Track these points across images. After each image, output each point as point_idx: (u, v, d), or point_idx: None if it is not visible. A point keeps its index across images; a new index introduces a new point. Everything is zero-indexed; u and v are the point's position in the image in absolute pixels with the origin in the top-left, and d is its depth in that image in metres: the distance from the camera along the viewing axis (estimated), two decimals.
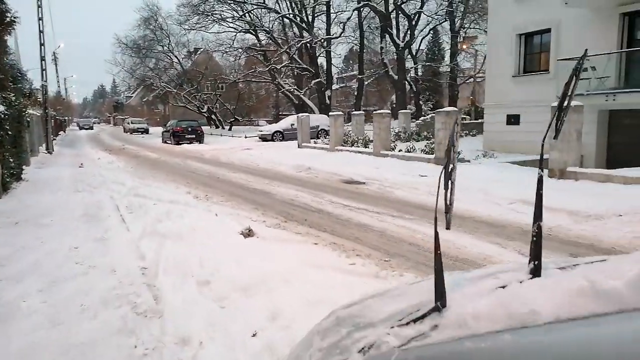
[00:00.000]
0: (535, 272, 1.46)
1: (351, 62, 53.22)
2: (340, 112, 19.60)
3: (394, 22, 33.04)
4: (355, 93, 37.86)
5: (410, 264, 4.99)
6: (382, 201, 8.43)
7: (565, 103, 1.61)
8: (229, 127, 40.19)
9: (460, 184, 9.20)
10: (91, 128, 64.11)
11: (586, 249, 5.28)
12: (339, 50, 52.72)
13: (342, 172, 12.00)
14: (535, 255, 1.47)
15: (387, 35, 32.35)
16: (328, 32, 34.32)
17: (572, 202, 7.23)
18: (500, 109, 16.58)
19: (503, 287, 1.39)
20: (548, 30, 14.85)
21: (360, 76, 35.51)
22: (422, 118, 26.27)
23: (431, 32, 37.00)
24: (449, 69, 35.87)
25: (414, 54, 36.17)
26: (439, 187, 1.51)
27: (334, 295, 3.97)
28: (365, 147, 17.07)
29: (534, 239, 1.53)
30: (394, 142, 17.50)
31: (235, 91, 40.72)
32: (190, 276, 4.51)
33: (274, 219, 7.16)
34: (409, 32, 33.53)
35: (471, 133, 21.44)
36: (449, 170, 1.69)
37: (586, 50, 1.89)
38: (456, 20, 34.22)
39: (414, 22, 33.00)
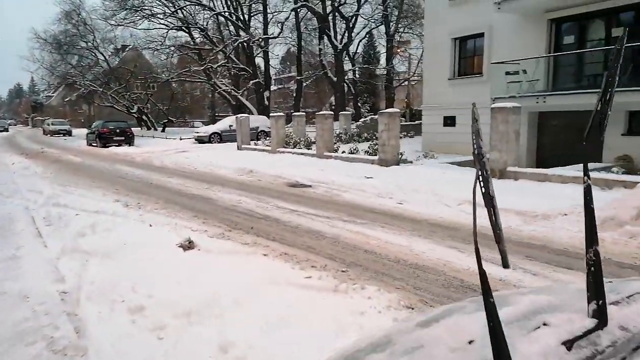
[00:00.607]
0: (600, 316, 1.11)
1: (289, 63, 52.88)
2: (282, 113, 19.13)
3: (331, 24, 33.09)
4: (294, 94, 37.52)
5: (369, 273, 4.66)
6: (331, 205, 8.09)
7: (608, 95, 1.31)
8: (161, 128, 38.26)
9: (409, 185, 9.15)
10: (6, 130, 58.55)
11: (540, 250, 5.24)
12: (277, 50, 52.21)
13: (287, 174, 11.56)
14: (596, 292, 1.13)
15: (325, 37, 32.31)
16: (265, 31, 33.66)
17: (518, 202, 7.30)
18: (437, 110, 16.96)
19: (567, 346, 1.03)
20: (481, 35, 15.37)
21: (299, 77, 35.22)
22: (362, 119, 26.46)
23: (368, 35, 37.52)
24: (385, 72, 36.55)
25: (352, 56, 36.48)
26: (474, 207, 1.14)
27: (294, 316, 3.53)
28: (308, 149, 16.74)
29: (592, 269, 1.19)
30: (335, 143, 17.32)
31: (168, 91, 38.88)
32: (120, 301, 3.87)
33: (216, 228, 6.57)
34: (346, 34, 33.74)
35: (409, 134, 21.83)
36: (487, 186, 1.32)
37: (625, 30, 1.61)
38: (391, 24, 34.95)
39: (351, 25, 33.25)
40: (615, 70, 1.36)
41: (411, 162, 12.71)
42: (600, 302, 1.11)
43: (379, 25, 35.98)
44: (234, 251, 5.41)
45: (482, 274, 1.04)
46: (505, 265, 1.23)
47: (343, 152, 14.98)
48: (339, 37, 33.94)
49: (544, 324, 1.19)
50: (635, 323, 1.11)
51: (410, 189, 8.76)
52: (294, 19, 33.61)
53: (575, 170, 9.39)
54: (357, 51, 37.87)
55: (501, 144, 9.78)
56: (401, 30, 36.08)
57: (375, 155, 13.15)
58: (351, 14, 33.23)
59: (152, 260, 4.90)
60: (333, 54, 33.27)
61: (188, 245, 5.48)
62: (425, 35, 18.43)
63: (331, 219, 7.02)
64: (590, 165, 10.81)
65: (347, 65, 35.89)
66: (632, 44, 11.33)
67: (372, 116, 25.34)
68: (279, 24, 34.15)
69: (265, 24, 33.46)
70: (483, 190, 1.28)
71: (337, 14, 33.20)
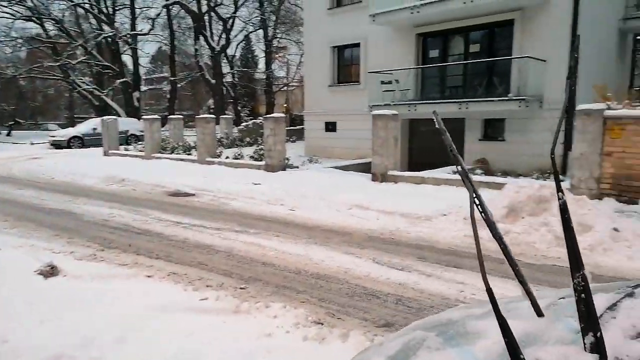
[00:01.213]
0: (600, 350, 0.99)
1: (160, 63, 49.76)
2: (157, 116, 17.75)
3: (208, 25, 31.93)
4: (168, 96, 35.36)
5: (270, 288, 4.38)
6: (219, 214, 7.60)
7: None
8: (7, 131, 33.00)
9: (298, 191, 9.04)
10: None
11: (429, 251, 5.49)
12: (148, 49, 48.87)
13: (166, 182, 10.66)
14: (592, 323, 1.01)
15: (201, 37, 31.05)
16: (133, 27, 31.16)
17: (401, 204, 7.66)
18: (318, 116, 17.32)
19: None
20: (358, 45, 16.08)
21: (172, 78, 33.27)
22: (244, 124, 25.92)
23: (246, 38, 37.04)
24: (264, 76, 36.46)
25: (230, 59, 35.66)
26: (475, 229, 0.96)
27: (192, 350, 3.09)
28: (188, 154, 15.77)
29: (582, 296, 1.08)
30: (217, 148, 16.61)
31: (15, 89, 33.71)
32: None
33: (85, 248, 5.68)
34: (224, 35, 32.86)
35: (291, 139, 21.97)
36: (484, 210, 1.14)
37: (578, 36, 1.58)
38: (269, 29, 35.01)
39: (229, 26, 32.48)
40: (573, 83, 1.32)
41: (297, 167, 12.70)
42: (598, 333, 0.99)
43: (257, 29, 35.82)
44: (110, 275, 4.69)
45: (490, 294, 0.85)
46: (539, 314, 1.02)
47: (227, 157, 14.40)
48: (216, 38, 32.92)
49: None
50: (628, 352, 1.03)
51: (300, 195, 8.67)
52: (166, 16, 31.71)
53: (446, 172, 10.23)
54: (236, 54, 37.17)
55: (382, 149, 10.24)
56: (279, 35, 36.37)
57: (262, 160, 12.87)
58: (228, 15, 32.48)
59: (3, 293, 3.98)
60: (210, 55, 32.14)
61: (50, 272, 4.60)
62: (304, 43, 18.73)
63: (221, 230, 6.57)
64: (455, 167, 12.01)
65: (226, 68, 35.01)
66: (486, 59, 12.86)
67: (254, 120, 25.01)
68: (149, 20, 31.96)
69: (134, 19, 31.00)
70: (483, 215, 1.10)
71: (213, 14, 32.16)
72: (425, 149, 14.43)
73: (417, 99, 14.20)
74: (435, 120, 1.37)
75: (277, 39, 36.53)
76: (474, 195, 1.06)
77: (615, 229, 5.18)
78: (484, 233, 4.18)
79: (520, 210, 5.77)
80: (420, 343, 1.40)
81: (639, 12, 13.91)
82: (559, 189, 1.31)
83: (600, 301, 1.36)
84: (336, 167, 12.45)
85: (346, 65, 16.93)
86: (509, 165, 11.77)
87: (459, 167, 1.17)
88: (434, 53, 14.46)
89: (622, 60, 14.81)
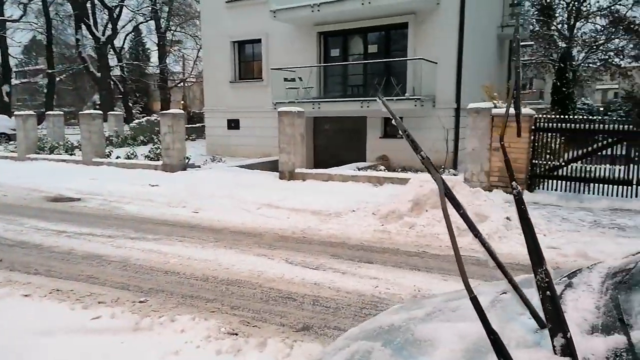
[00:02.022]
0: (571, 353, 0.90)
1: (35, 53, 44.47)
2: (32, 112, 15.67)
3: (90, 13, 29.12)
4: (45, 90, 31.66)
5: (175, 300, 3.97)
6: (111, 220, 6.84)
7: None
8: None
9: (202, 192, 8.52)
10: None
11: (341, 247, 5.45)
12: (19, 37, 43.49)
13: (45, 186, 9.39)
14: (560, 323, 0.91)
15: (83, 27, 28.24)
16: (1, 13, 27.36)
17: (311, 202, 7.58)
18: (220, 113, 16.67)
19: None
20: (259, 41, 15.76)
21: (50, 71, 29.81)
22: (136, 121, 24.08)
23: (135, 29, 34.49)
24: (158, 71, 34.31)
25: (119, 51, 32.97)
26: (450, 227, 0.81)
27: None
28: (71, 155, 14.16)
29: (547, 293, 0.98)
30: (106, 147, 15.17)
31: None
32: None
33: None
34: (110, 25, 30.24)
35: (190, 137, 20.93)
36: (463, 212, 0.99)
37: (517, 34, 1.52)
38: (162, 21, 33.03)
39: (115, 15, 29.95)
40: (518, 83, 1.25)
41: (199, 166, 12.05)
42: (568, 335, 0.90)
43: (149, 20, 33.54)
44: None
45: (476, 302, 0.70)
46: (543, 325, 0.86)
47: (118, 157, 13.19)
48: (100, 28, 30.18)
49: None
50: (592, 350, 0.95)
51: (204, 196, 8.17)
52: (41, 2, 28.33)
53: (352, 169, 10.42)
54: (124, 46, 34.47)
55: (289, 147, 10.10)
56: (173, 28, 34.50)
57: (159, 160, 11.98)
58: (115, 3, 29.95)
59: None
60: (94, 47, 29.38)
61: None
62: (202, 37, 17.88)
63: (114, 237, 5.89)
64: (359, 164, 12.33)
65: (113, 61, 32.30)
66: (383, 60, 13.37)
67: (148, 117, 23.37)
68: (20, 5, 28.32)
69: (1, 3, 27.22)
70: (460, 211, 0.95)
71: (97, 1, 29.45)
72: (330, 147, 14.63)
73: (320, 97, 14.32)
74: (382, 103, 1.21)
75: (171, 31, 34.63)
76: (443, 184, 0.91)
77: (508, 218, 5.61)
78: (392, 226, 4.17)
79: (424, 203, 6.00)
80: (366, 357, 1.23)
81: (514, 21, 15.51)
82: (511, 179, 1.22)
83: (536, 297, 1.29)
84: (241, 166, 12.03)
85: (248, 61, 16.51)
86: (407, 161, 12.36)
87: (422, 156, 1.02)
88: (335, 52, 14.70)
89: (501, 64, 16.43)
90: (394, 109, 1.18)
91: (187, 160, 11.76)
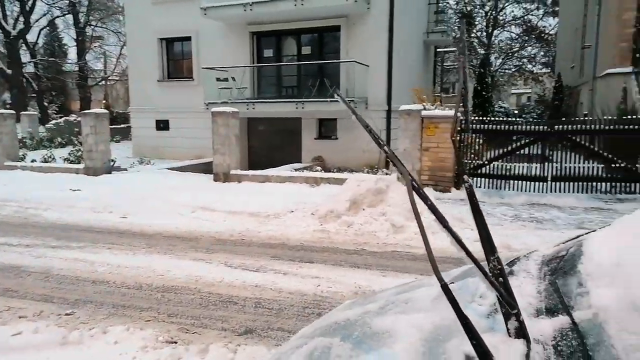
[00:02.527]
0: (524, 335, 0.95)
1: None
2: None
3: None
4: None
5: (106, 310, 3.72)
6: (29, 229, 6.27)
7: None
8: None
9: (131, 196, 8.09)
10: None
11: (281, 249, 5.41)
12: None
13: None
14: (513, 307, 0.96)
15: None
16: None
17: (248, 203, 7.46)
18: (148, 113, 15.92)
19: None
20: (189, 38, 15.26)
21: None
22: (53, 122, 22.32)
23: (51, 23, 31.97)
24: (77, 68, 32.06)
25: (32, 46, 30.39)
26: (421, 227, 0.83)
27: None
28: None
29: (500, 279, 1.03)
30: (19, 150, 13.91)
31: None
32: None
33: None
34: (22, 19, 27.80)
35: (115, 139, 19.80)
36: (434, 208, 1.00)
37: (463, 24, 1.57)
38: (80, 15, 30.93)
39: (28, 8, 27.60)
40: (464, 85, 1.30)
41: (126, 169, 11.41)
42: (521, 318, 0.95)
43: (66, 14, 31.25)
44: None
45: (446, 289, 0.72)
46: (513, 307, 0.88)
47: (33, 161, 12.14)
48: (11, 21, 27.67)
49: (468, 358, 0.97)
50: (540, 332, 1.01)
51: (133, 200, 7.75)
52: None
53: (288, 170, 10.41)
54: (38, 41, 31.82)
55: (223, 148, 9.87)
56: (94, 23, 32.43)
57: (80, 163, 11.19)
58: None
59: None
60: (4, 41, 26.88)
61: None
62: (127, 33, 16.97)
63: (33, 246, 5.41)
64: (295, 165, 12.33)
65: (26, 57, 29.73)
66: (317, 62, 13.50)
67: (66, 118, 21.78)
68: None
69: None
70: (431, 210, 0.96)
71: None
72: (265, 148, 14.50)
73: (254, 97, 14.15)
74: (339, 98, 1.21)
75: (92, 26, 32.54)
76: (411, 179, 0.92)
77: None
78: (331, 226, 4.23)
79: (361, 202, 6.12)
80: (326, 352, 1.22)
81: (439, 28, 16.35)
82: (462, 173, 1.27)
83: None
84: (172, 169, 11.57)
85: (177, 59, 15.92)
86: (342, 161, 12.58)
87: (387, 151, 1.03)
88: (268, 52, 14.60)
89: (427, 68, 17.22)
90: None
91: (112, 163, 11.09)
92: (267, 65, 14.43)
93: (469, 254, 0.90)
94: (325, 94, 12.69)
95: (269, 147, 14.46)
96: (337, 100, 10.64)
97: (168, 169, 11.43)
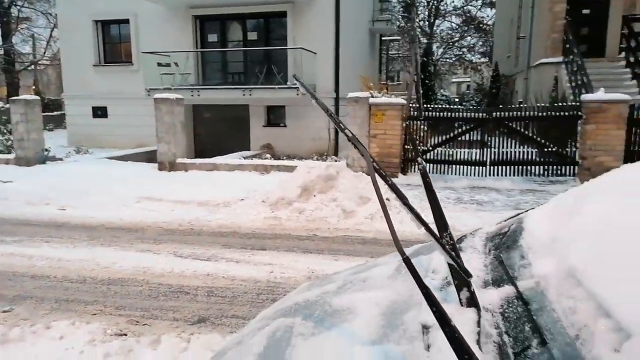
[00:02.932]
0: (475, 304, 1.03)
1: None
2: None
3: None
4: None
5: (48, 305, 3.54)
6: None
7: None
8: None
9: (69, 187, 7.67)
10: None
11: (232, 237, 5.36)
12: None
13: None
14: (463, 279, 1.04)
15: None
16: None
17: (197, 192, 7.30)
18: (84, 100, 15.06)
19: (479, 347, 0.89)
20: (127, 21, 14.52)
21: None
22: None
23: None
24: (2, 52, 29.57)
25: None
26: (384, 209, 0.87)
27: None
28: None
29: (452, 254, 1.10)
30: None
31: None
32: None
33: None
34: None
35: (48, 127, 18.56)
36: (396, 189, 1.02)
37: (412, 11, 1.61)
38: None
39: None
40: (417, 72, 1.36)
41: (61, 159, 10.77)
42: (472, 288, 1.03)
43: None
44: None
45: (408, 263, 0.77)
46: (469, 275, 0.94)
47: None
48: None
49: (425, 327, 1.04)
50: (488, 301, 1.10)
51: (71, 191, 7.35)
52: None
53: (237, 158, 10.26)
54: None
55: (168, 136, 9.54)
56: (20, 4, 29.95)
57: (10, 153, 10.42)
58: None
59: None
60: None
61: None
62: (58, 14, 15.84)
63: None
64: (244, 153, 12.17)
65: None
66: (263, 48, 13.32)
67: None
68: None
69: None
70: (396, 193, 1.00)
71: None
72: (212, 136, 14.18)
73: (199, 84, 13.75)
74: (299, 83, 1.22)
75: (17, 7, 30.06)
76: (372, 161, 0.96)
77: (387, 199, 6.04)
78: (282, 213, 4.28)
79: (312, 188, 6.18)
80: (289, 332, 1.25)
81: (383, 16, 16.60)
82: (417, 155, 1.33)
83: (438, 260, 1.44)
84: (113, 158, 11.04)
85: (114, 43, 15.12)
86: (292, 149, 12.57)
87: (349, 133, 1.06)
88: (212, 37, 14.20)
89: (374, 56, 17.48)
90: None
91: (46, 153, 10.42)
92: (211, 51, 14.05)
93: (428, 228, 0.95)
94: (273, 80, 12.58)
95: (216, 135, 14.16)
96: (285, 87, 10.62)
97: (108, 158, 10.91)
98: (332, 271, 4.16)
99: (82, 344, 2.97)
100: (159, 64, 13.07)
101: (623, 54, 12.85)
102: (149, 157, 11.20)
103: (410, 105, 9.16)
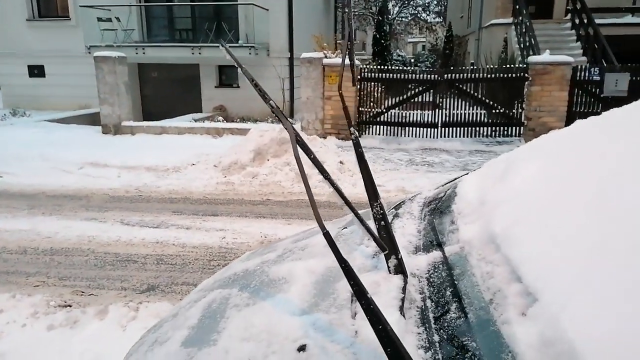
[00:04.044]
0: (402, 271, 1.05)
1: None
2: None
3: None
4: None
5: None
6: None
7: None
8: None
9: (5, 152, 7.18)
10: None
11: (183, 203, 5.25)
12: None
13: None
14: (392, 247, 1.06)
15: None
16: None
17: (144, 157, 7.04)
18: (17, 58, 13.91)
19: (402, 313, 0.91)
20: None
21: None
22: None
23: None
24: None
25: None
26: (300, 168, 0.86)
27: None
28: None
29: (382, 223, 1.11)
30: None
31: None
32: None
33: None
34: None
35: None
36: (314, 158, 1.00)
37: None
38: None
39: None
40: (351, 35, 1.32)
41: None
42: (399, 256, 1.05)
43: None
44: None
45: (328, 237, 0.77)
46: (384, 249, 0.95)
47: None
48: None
49: (353, 295, 1.06)
50: (416, 266, 1.13)
51: (8, 157, 6.90)
52: None
53: (187, 121, 9.93)
54: None
55: (112, 97, 9.05)
56: None
57: None
58: None
59: None
60: None
61: None
62: None
63: None
64: (195, 115, 11.78)
65: None
66: (212, 3, 12.68)
67: None
68: None
69: None
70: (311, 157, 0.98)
71: None
72: (160, 97, 13.58)
73: (144, 41, 12.98)
74: (224, 50, 1.16)
75: None
76: (295, 133, 0.93)
77: (341, 162, 6.09)
78: (235, 178, 4.24)
79: (266, 153, 6.10)
80: (224, 303, 1.24)
81: None
82: (349, 125, 1.32)
83: (373, 228, 1.46)
84: (52, 120, 10.39)
85: None
86: (245, 111, 12.28)
87: (272, 105, 1.02)
88: None
89: (328, 16, 17.08)
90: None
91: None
92: (156, 5, 13.22)
93: (347, 202, 0.95)
94: (224, 38, 12.06)
95: (164, 96, 13.55)
96: (237, 46, 10.24)
97: (48, 121, 10.26)
98: (285, 235, 4.19)
99: (24, 317, 2.87)
100: (99, 19, 12.20)
101: (569, 16, 13.21)
102: (93, 119, 10.64)
103: (364, 66, 9.11)
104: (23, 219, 4.65)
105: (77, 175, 6.23)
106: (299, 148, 0.93)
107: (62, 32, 13.46)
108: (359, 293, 0.76)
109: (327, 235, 0.82)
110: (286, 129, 0.95)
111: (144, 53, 12.15)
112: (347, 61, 1.33)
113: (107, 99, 9.07)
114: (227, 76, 13.07)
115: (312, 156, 0.96)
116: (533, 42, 10.77)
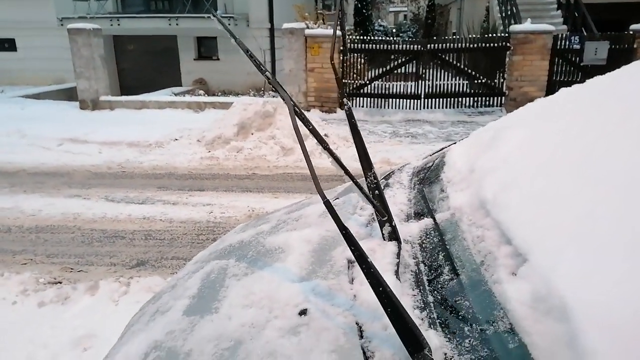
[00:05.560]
0: (396, 238, 1.09)
1: None
2: None
3: None
4: None
5: None
6: None
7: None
8: None
9: None
10: None
11: (168, 178, 5.22)
12: None
13: None
14: (387, 215, 1.09)
15: None
16: None
17: (125, 133, 6.91)
18: None
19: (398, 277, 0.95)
20: None
21: None
22: None
23: None
24: None
25: None
26: (299, 139, 0.88)
27: None
28: None
29: (376, 192, 1.14)
30: None
31: None
32: None
33: None
34: None
35: None
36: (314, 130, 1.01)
37: None
38: None
39: None
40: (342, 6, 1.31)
41: None
42: (393, 223, 1.09)
43: None
44: None
45: (328, 205, 0.80)
46: (383, 215, 0.98)
47: None
48: None
49: (350, 262, 1.10)
50: (409, 233, 1.17)
51: None
52: None
53: (167, 95, 9.74)
54: None
55: (88, 71, 8.79)
56: None
57: None
58: None
59: None
60: None
61: None
62: None
63: None
64: (175, 89, 11.54)
65: None
66: None
67: None
68: None
69: None
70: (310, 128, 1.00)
71: None
72: (138, 70, 13.23)
73: (118, 11, 12.55)
74: (215, 19, 1.15)
75: None
76: (293, 104, 0.94)
77: (326, 135, 6.09)
78: (219, 152, 4.22)
79: (250, 126, 6.06)
80: (222, 273, 1.27)
81: None
82: (342, 96, 1.32)
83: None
84: (26, 96, 10.08)
85: None
86: (227, 84, 12.08)
87: (269, 77, 1.03)
88: None
89: None
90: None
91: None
92: None
93: (347, 172, 0.98)
94: (203, 8, 11.73)
95: (142, 69, 13.21)
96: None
97: (23, 97, 9.95)
98: (272, 209, 4.21)
99: (15, 295, 2.87)
100: None
101: None
102: (70, 94, 10.35)
103: (348, 37, 8.98)
104: (4, 197, 4.57)
105: (57, 152, 6.10)
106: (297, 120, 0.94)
107: (33, 3, 12.91)
108: (360, 257, 0.79)
109: (327, 203, 0.84)
110: (283, 99, 0.96)
111: (118, 24, 11.78)
112: (337, 32, 1.33)
113: (83, 73, 8.81)
114: (206, 48, 12.78)
115: (310, 127, 0.98)
116: (515, 11, 10.75)
